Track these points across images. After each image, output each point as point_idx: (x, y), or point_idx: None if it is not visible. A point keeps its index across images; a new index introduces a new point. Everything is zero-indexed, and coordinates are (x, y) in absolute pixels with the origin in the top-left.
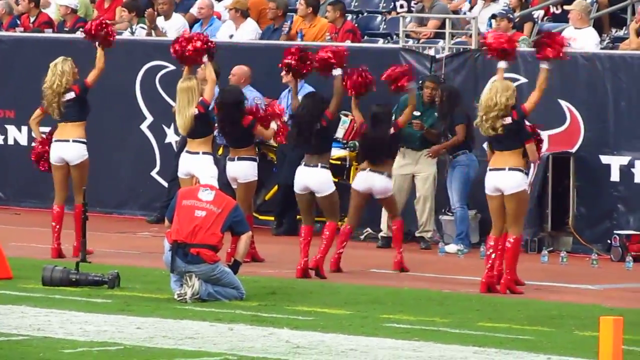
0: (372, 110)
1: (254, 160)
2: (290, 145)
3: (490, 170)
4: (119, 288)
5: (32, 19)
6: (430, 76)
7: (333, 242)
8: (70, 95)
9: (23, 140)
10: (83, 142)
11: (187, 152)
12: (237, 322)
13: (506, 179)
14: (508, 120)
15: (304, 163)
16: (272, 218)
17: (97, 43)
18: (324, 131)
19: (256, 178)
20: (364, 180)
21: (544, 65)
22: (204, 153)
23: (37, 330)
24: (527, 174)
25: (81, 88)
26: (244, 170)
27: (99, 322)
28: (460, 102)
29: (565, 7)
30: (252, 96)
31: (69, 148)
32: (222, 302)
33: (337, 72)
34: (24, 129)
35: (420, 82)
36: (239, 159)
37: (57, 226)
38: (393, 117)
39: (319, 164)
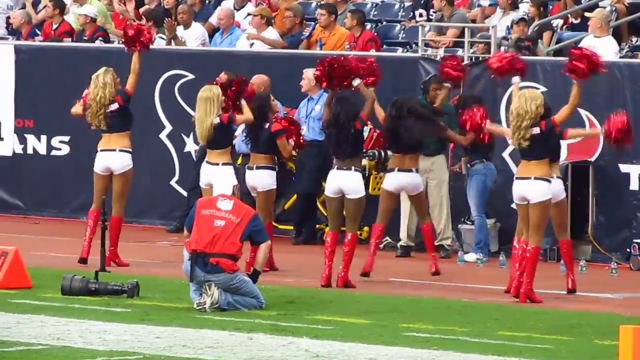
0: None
1: (273, 169)
2: (309, 154)
3: (516, 179)
4: (139, 297)
5: (54, 26)
6: (433, 77)
7: (354, 254)
8: (114, 106)
9: (42, 150)
10: (129, 152)
11: (208, 162)
12: (256, 332)
13: (531, 187)
14: (536, 130)
15: (336, 167)
16: (291, 227)
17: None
18: (358, 134)
19: (275, 186)
20: (394, 179)
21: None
22: (223, 164)
23: (56, 340)
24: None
25: (124, 98)
26: (262, 179)
27: (119, 331)
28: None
29: (586, 14)
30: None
31: (115, 157)
32: (241, 312)
33: (356, 82)
34: (43, 138)
35: (423, 85)
36: (258, 167)
37: (91, 225)
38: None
39: (353, 167)
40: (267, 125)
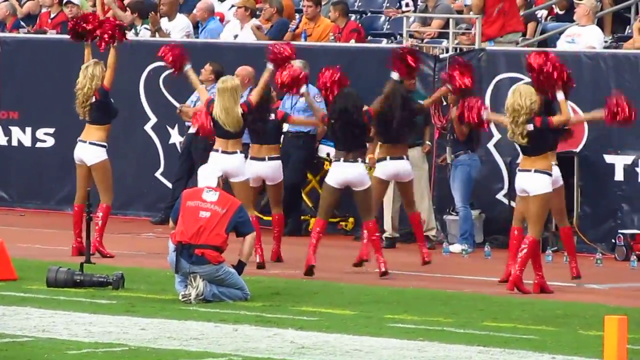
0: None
1: (280, 159)
2: (294, 145)
3: (518, 171)
4: (124, 289)
5: (52, 15)
6: None
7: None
8: (91, 99)
9: (27, 142)
10: (101, 145)
11: (224, 152)
12: (241, 323)
13: (532, 180)
14: (530, 127)
15: (342, 159)
16: None
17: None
18: (365, 127)
19: (282, 178)
20: (386, 167)
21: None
22: (241, 152)
23: (41, 332)
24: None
25: (100, 93)
26: (275, 171)
27: (104, 323)
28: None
29: (575, 2)
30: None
31: (85, 149)
32: (226, 303)
33: (394, 76)
34: (28, 130)
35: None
36: (270, 158)
37: (77, 225)
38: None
39: (359, 159)
40: (272, 116)
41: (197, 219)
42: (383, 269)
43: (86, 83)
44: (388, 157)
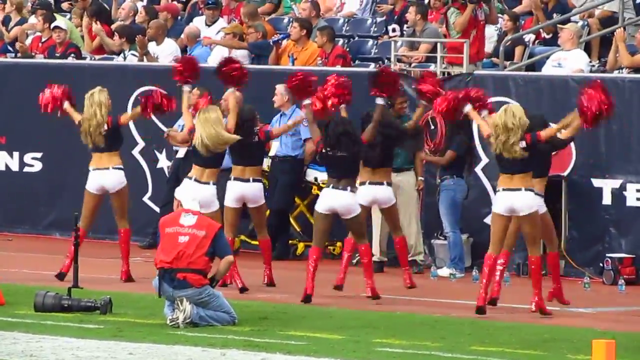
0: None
1: (262, 182)
2: (282, 169)
3: (503, 190)
4: (112, 314)
5: (43, 39)
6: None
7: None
8: (102, 127)
9: (14, 166)
10: (121, 169)
11: (197, 180)
12: (229, 347)
13: (523, 199)
14: (522, 144)
15: (331, 185)
16: None
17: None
18: (357, 156)
19: (264, 200)
20: (366, 191)
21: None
22: (214, 183)
23: (29, 357)
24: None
25: (113, 122)
26: (258, 192)
27: (92, 347)
28: (462, 129)
29: (559, 27)
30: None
31: (109, 176)
32: (214, 327)
33: (380, 101)
34: (15, 154)
35: (389, 101)
36: (254, 180)
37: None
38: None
39: (348, 187)
40: (255, 138)
41: (177, 244)
42: (369, 294)
43: (95, 111)
44: (367, 182)
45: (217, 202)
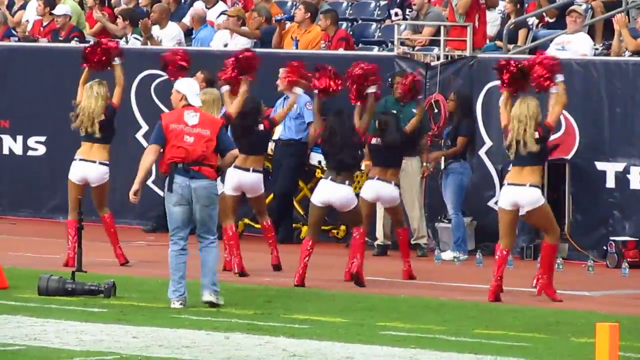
0: (381, 118)
1: (262, 172)
2: (286, 153)
3: (508, 184)
4: (115, 297)
5: (45, 23)
6: (399, 71)
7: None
8: (100, 117)
9: (18, 150)
10: (107, 165)
11: (236, 167)
12: (233, 331)
13: (526, 195)
14: (536, 135)
15: (330, 178)
16: None
17: (115, 60)
18: (354, 149)
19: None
20: (372, 189)
21: (559, 79)
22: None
23: (33, 340)
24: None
25: (109, 111)
26: (258, 182)
27: (95, 331)
28: (470, 113)
29: (574, 9)
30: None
31: (93, 169)
32: (218, 311)
33: (372, 89)
34: (19, 138)
35: (390, 79)
36: (255, 170)
37: (73, 234)
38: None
39: (347, 181)
40: (260, 127)
41: (184, 143)
42: (354, 270)
43: (92, 103)
44: (375, 177)
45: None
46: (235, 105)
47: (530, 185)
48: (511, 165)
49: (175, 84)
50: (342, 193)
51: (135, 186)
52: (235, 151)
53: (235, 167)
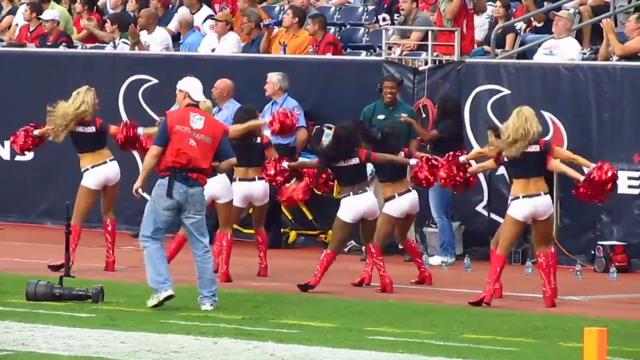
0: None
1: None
2: None
3: (523, 197)
4: (103, 302)
5: (32, 28)
6: (388, 76)
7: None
8: (91, 129)
9: (6, 155)
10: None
11: (241, 179)
12: (221, 336)
13: (544, 203)
14: (536, 148)
15: (352, 192)
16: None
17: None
18: (362, 167)
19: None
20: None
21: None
22: (259, 178)
23: (21, 345)
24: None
25: (102, 127)
26: (262, 191)
27: (83, 336)
28: (451, 115)
29: (553, 14)
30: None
31: (109, 168)
32: (206, 316)
33: (413, 162)
34: (7, 143)
35: (378, 84)
36: (259, 178)
37: (77, 239)
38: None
39: (367, 189)
40: (258, 139)
41: (188, 147)
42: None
43: (69, 108)
44: (396, 195)
45: (229, 192)
46: (237, 130)
47: (545, 193)
48: (514, 178)
49: (178, 83)
50: (370, 201)
51: (138, 183)
52: (233, 160)
53: (240, 179)
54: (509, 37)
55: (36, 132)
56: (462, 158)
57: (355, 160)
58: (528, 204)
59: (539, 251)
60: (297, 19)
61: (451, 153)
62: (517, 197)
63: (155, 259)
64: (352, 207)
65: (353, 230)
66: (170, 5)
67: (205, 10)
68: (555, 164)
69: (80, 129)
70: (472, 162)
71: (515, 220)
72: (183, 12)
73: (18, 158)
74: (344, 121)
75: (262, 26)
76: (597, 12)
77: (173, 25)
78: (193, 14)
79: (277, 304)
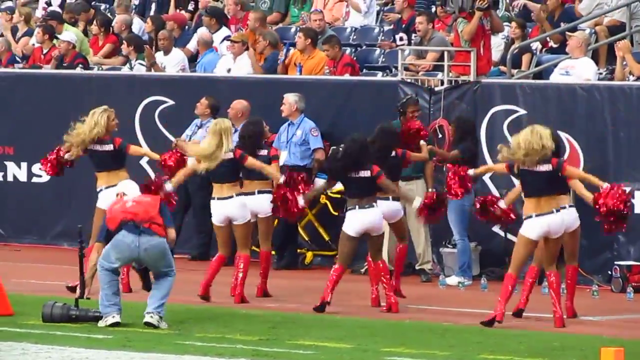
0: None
1: (271, 193)
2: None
3: (536, 216)
4: (120, 324)
5: (44, 50)
6: (411, 99)
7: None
8: (109, 147)
9: (22, 177)
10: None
11: (218, 198)
12: (238, 357)
13: (571, 216)
14: (548, 167)
15: (357, 206)
16: (273, 252)
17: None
18: (371, 181)
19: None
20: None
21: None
22: (259, 192)
23: None
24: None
25: (121, 146)
26: (265, 204)
27: (100, 358)
28: (469, 135)
29: (567, 34)
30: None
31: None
32: (222, 337)
33: (417, 202)
34: (24, 165)
35: (400, 108)
36: (260, 192)
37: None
38: None
39: (373, 204)
40: (265, 152)
41: (127, 208)
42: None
43: (85, 129)
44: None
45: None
46: (253, 165)
47: (570, 206)
48: (525, 197)
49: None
50: (376, 215)
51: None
52: (172, 232)
53: (242, 193)
54: (525, 58)
55: (67, 156)
56: (470, 172)
57: (365, 173)
58: (540, 222)
59: (549, 270)
60: (309, 40)
61: (457, 166)
62: (530, 217)
63: (104, 284)
64: (356, 220)
65: (359, 244)
66: (187, 27)
67: (224, 31)
68: (576, 185)
69: (98, 147)
70: None
71: (528, 240)
72: (202, 31)
73: (35, 180)
74: (356, 134)
75: (279, 62)
76: (613, 32)
77: (192, 45)
78: (212, 33)
79: (294, 325)
